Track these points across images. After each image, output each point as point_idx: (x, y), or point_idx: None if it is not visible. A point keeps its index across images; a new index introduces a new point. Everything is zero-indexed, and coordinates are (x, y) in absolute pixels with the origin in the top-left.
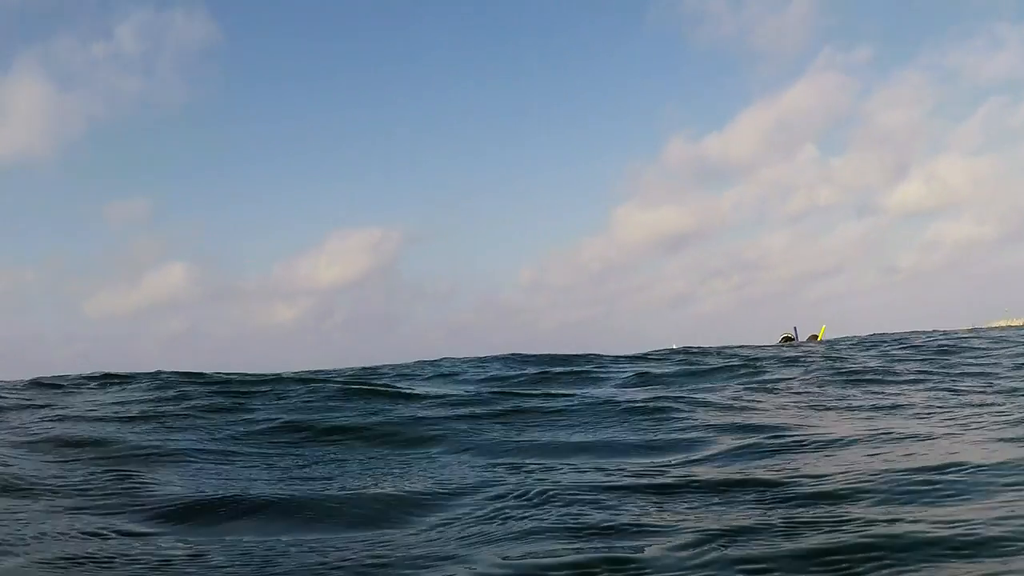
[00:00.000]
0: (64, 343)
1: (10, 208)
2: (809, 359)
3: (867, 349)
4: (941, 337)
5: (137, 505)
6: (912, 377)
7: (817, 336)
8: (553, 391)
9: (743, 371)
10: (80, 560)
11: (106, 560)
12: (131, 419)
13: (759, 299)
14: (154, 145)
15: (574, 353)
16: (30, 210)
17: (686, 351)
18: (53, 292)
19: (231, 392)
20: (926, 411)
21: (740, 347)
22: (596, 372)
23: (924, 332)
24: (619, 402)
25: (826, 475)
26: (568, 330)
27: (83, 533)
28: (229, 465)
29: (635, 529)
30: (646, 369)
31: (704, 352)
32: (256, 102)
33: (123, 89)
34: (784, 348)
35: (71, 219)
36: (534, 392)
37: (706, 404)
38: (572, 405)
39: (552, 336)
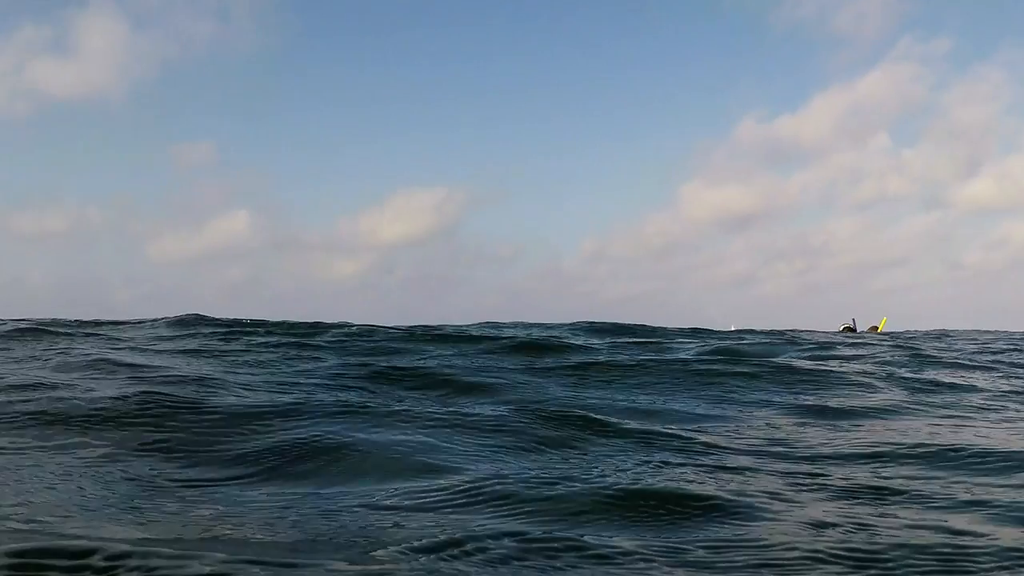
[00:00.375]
0: (127, 285)
1: (77, 145)
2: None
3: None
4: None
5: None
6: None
7: (877, 327)
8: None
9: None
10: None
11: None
12: None
13: (821, 285)
14: (224, 90)
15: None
16: (97, 148)
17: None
18: (117, 232)
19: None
20: None
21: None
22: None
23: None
24: None
25: None
26: (628, 303)
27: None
28: None
29: None
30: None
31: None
32: (329, 53)
33: (197, 32)
34: (848, 338)
35: (137, 159)
36: None
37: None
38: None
39: (612, 308)
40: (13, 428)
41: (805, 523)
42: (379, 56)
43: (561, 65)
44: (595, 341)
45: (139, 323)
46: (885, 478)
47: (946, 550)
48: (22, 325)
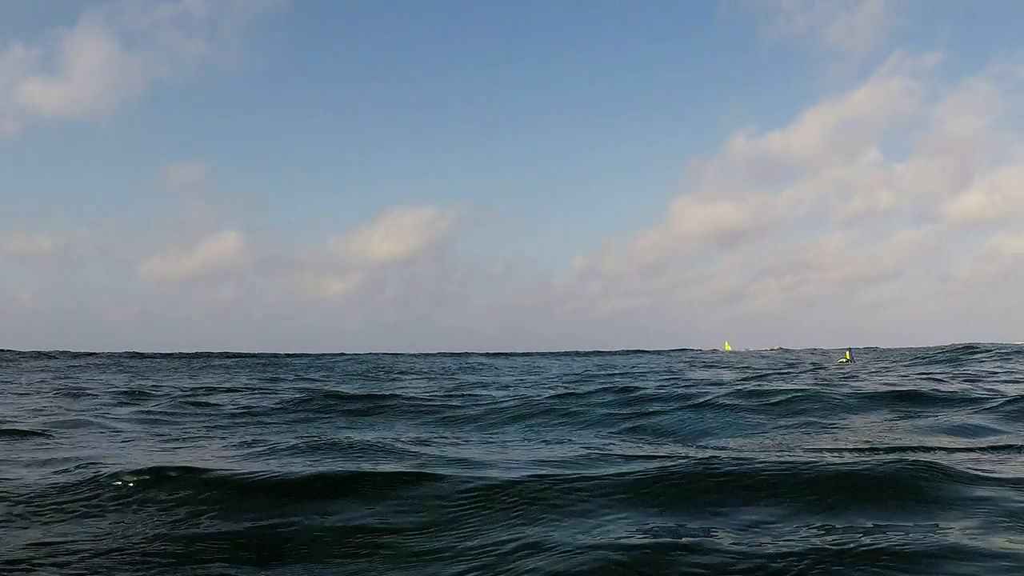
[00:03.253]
0: (118, 304)
1: (67, 165)
2: None
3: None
4: None
5: None
6: None
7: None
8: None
9: None
10: None
11: None
12: None
13: (811, 300)
14: (213, 109)
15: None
16: (87, 168)
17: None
18: (108, 253)
19: None
20: None
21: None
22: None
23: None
24: None
25: None
26: (619, 320)
27: None
28: None
29: None
30: None
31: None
32: (318, 72)
33: (186, 51)
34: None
35: (128, 180)
36: None
37: None
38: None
39: (603, 325)
40: None
41: None
42: (369, 75)
43: (552, 84)
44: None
45: None
46: None
47: None
48: None
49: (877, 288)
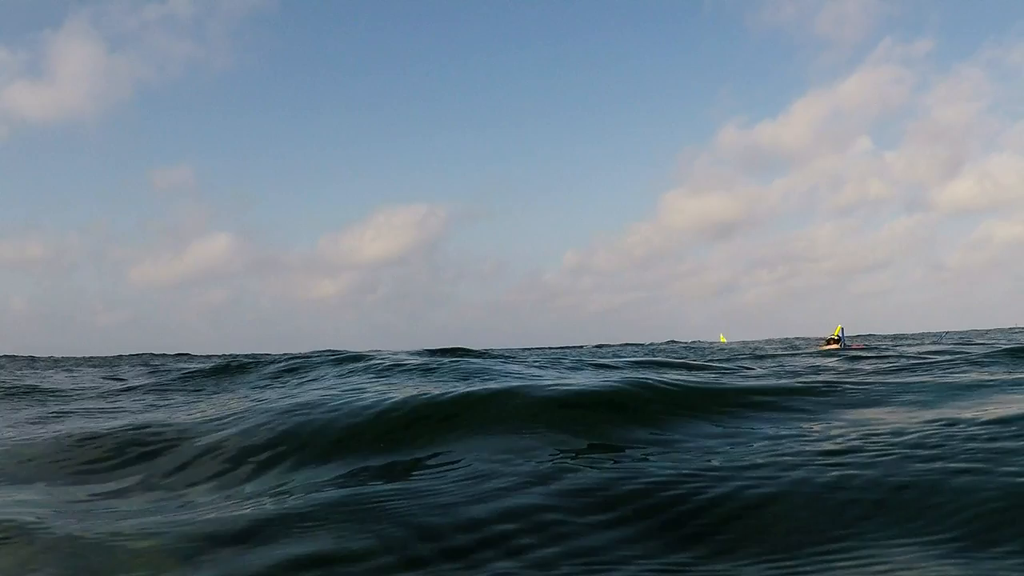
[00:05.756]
0: (109, 309)
1: (55, 171)
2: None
3: None
4: None
5: None
6: None
7: (835, 335)
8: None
9: None
10: None
11: None
12: None
13: (803, 291)
14: (201, 111)
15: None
16: (75, 173)
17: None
18: (98, 258)
19: None
20: None
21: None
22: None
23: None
24: None
25: None
26: (612, 314)
27: None
28: None
29: None
30: None
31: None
32: (306, 70)
33: (173, 53)
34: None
35: (116, 184)
36: None
37: None
38: None
39: (597, 320)
40: None
41: None
42: (357, 74)
43: (541, 80)
44: None
45: None
46: None
47: None
48: None
49: (869, 277)
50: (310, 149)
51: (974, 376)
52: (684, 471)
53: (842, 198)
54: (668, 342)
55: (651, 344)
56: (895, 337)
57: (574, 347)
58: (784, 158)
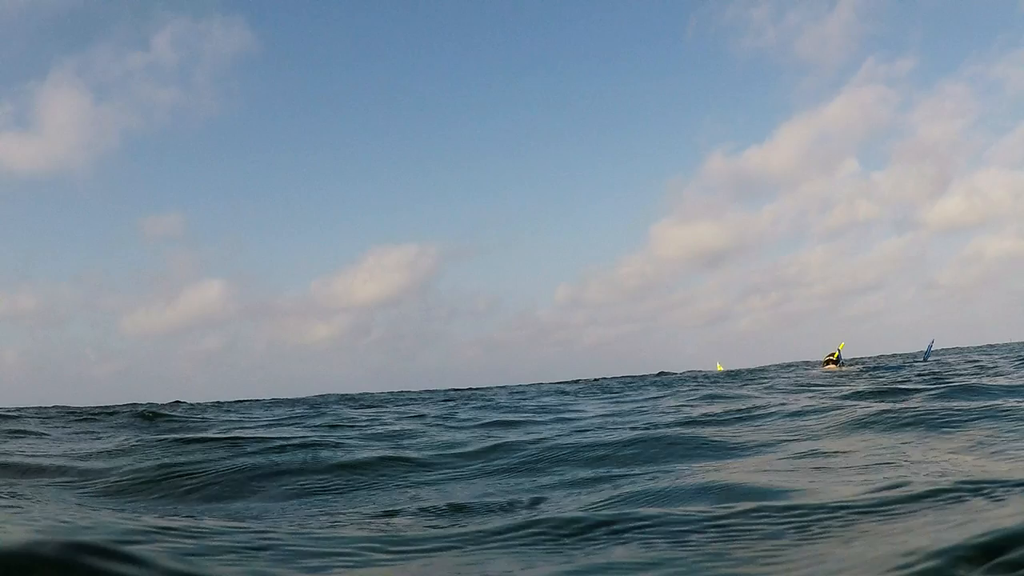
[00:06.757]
0: (103, 360)
1: (44, 221)
2: None
3: None
4: None
5: None
6: None
7: (835, 355)
8: None
9: None
10: None
11: None
12: None
13: (797, 316)
14: (189, 158)
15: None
16: (65, 224)
17: None
18: (89, 308)
19: None
20: None
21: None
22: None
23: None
24: None
25: None
26: (606, 348)
27: None
28: None
29: None
30: None
31: None
32: (292, 113)
33: (158, 101)
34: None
35: (105, 233)
36: None
37: None
38: None
39: (589, 354)
40: None
41: None
42: (345, 115)
43: (525, 113)
44: None
45: None
46: None
47: None
48: None
49: (861, 299)
50: (300, 191)
51: None
52: None
53: (832, 220)
54: (659, 374)
55: (644, 375)
56: (877, 357)
57: (570, 381)
58: (772, 183)
